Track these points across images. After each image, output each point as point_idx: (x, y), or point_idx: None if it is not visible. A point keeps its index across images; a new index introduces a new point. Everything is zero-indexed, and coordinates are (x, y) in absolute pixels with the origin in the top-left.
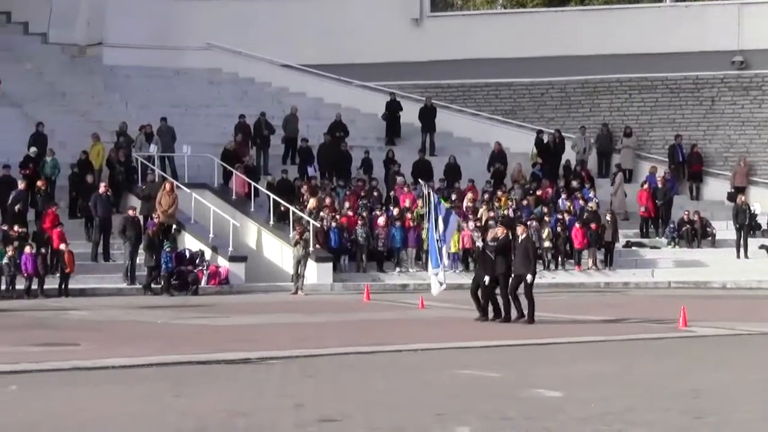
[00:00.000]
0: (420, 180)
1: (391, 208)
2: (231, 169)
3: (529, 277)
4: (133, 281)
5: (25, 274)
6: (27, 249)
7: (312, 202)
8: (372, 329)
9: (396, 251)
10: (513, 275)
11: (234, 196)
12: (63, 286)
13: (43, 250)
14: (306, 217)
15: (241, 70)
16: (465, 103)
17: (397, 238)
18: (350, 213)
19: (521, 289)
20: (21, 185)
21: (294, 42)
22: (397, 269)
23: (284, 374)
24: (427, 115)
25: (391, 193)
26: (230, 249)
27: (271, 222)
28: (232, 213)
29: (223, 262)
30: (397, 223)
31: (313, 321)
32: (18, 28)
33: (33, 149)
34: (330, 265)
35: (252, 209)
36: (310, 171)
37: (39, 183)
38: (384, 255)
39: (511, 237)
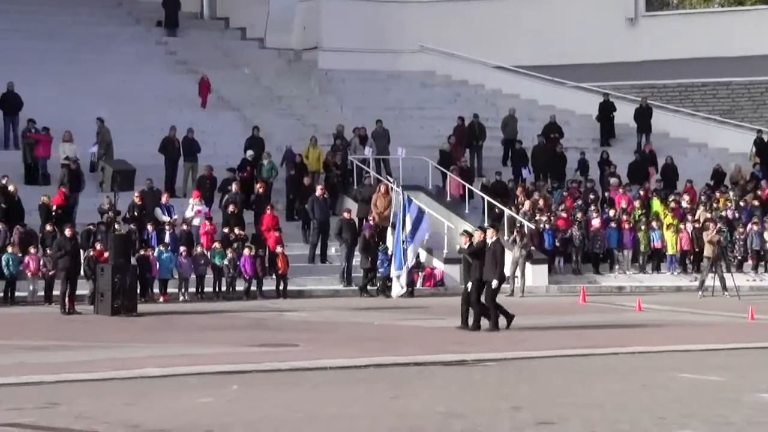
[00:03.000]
0: (389, 177)
1: (607, 209)
2: (445, 171)
3: (494, 282)
4: (349, 283)
5: (245, 276)
6: (246, 251)
7: (527, 204)
8: (588, 331)
9: (612, 253)
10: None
11: (449, 198)
12: (281, 288)
13: (261, 252)
14: (520, 219)
15: (454, 72)
16: (682, 104)
17: (614, 239)
18: (564, 215)
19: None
20: (235, 187)
21: (507, 43)
22: (614, 271)
23: (500, 376)
24: (643, 116)
25: (606, 195)
26: (445, 251)
27: (486, 224)
28: (446, 215)
29: (438, 264)
30: (613, 225)
31: (529, 323)
32: (236, 33)
33: (250, 152)
34: (545, 266)
35: (466, 211)
36: (525, 173)
37: (257, 186)
38: (600, 257)
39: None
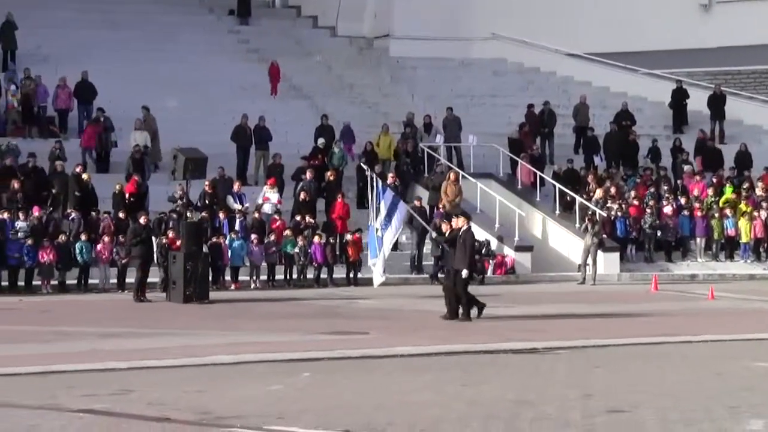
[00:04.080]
0: (363, 165)
1: (679, 197)
2: (516, 158)
3: (464, 272)
4: (420, 271)
5: (315, 264)
6: (316, 239)
7: (599, 192)
8: (660, 320)
9: (685, 241)
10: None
11: (519, 186)
12: (351, 275)
13: (332, 240)
14: (592, 206)
15: (526, 59)
16: (756, 90)
17: (686, 227)
18: (636, 202)
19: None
20: (308, 175)
21: (579, 30)
22: (687, 259)
23: (571, 364)
24: (717, 103)
25: (679, 182)
26: (516, 238)
27: (557, 211)
28: (517, 203)
29: (509, 252)
30: (686, 212)
31: (600, 311)
32: (307, 21)
33: (321, 140)
34: (617, 255)
35: (538, 199)
36: (596, 160)
37: (328, 173)
38: (672, 245)
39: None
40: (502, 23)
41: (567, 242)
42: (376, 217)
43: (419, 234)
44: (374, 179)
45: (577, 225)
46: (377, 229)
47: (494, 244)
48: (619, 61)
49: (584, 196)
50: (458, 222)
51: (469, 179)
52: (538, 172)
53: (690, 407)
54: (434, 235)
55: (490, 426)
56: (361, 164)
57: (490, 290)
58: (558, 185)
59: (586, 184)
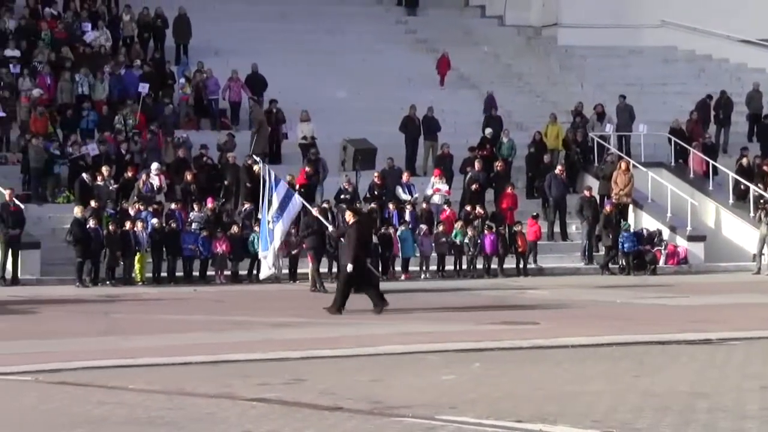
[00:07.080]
0: (255, 157)
1: None
2: (688, 147)
3: (349, 266)
4: (590, 261)
5: (485, 254)
6: (486, 229)
7: None
8: None
9: None
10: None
11: (692, 175)
12: (521, 266)
13: (501, 230)
14: (767, 195)
15: (697, 47)
16: None
17: None
18: None
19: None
20: (477, 166)
21: (752, 15)
22: None
23: (747, 355)
24: None
25: None
26: (689, 228)
27: (731, 201)
28: (690, 192)
29: (681, 242)
30: None
31: None
32: (476, 11)
33: (489, 130)
34: None
35: (710, 188)
36: None
37: (496, 164)
38: None
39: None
40: (671, 10)
41: (741, 232)
42: (268, 210)
43: (590, 224)
44: (267, 171)
45: (752, 214)
46: (269, 222)
47: (666, 234)
48: None
49: (759, 185)
50: (345, 216)
51: (639, 168)
52: (711, 161)
53: None
54: (330, 229)
55: (664, 417)
56: (253, 155)
57: (663, 280)
58: (732, 174)
59: (763, 174)
